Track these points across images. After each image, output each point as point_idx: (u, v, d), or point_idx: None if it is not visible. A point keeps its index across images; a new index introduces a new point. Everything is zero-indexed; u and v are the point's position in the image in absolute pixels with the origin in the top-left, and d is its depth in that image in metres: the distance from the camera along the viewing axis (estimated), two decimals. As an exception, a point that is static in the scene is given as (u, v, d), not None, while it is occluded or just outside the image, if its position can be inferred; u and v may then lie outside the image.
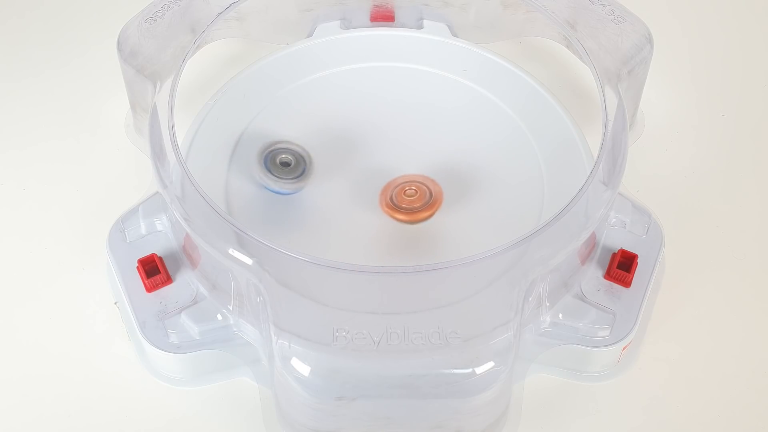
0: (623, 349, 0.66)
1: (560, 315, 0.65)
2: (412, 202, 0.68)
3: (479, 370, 0.59)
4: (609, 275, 0.67)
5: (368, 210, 0.69)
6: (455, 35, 0.79)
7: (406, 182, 0.69)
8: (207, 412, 0.66)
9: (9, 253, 0.73)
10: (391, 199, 0.68)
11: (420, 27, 0.79)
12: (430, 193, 0.69)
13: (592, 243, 0.66)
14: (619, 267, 0.67)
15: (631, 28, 0.72)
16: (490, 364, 0.59)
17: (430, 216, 0.68)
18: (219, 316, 0.65)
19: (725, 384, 0.68)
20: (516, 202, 0.70)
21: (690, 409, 0.67)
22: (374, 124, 0.74)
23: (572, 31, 0.72)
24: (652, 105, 0.79)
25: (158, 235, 0.69)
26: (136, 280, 0.67)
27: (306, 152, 0.70)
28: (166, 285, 0.67)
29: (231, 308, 0.65)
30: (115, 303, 0.70)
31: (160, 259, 0.67)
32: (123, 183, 0.75)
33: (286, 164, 0.70)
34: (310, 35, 0.79)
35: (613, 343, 0.66)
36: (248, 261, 0.61)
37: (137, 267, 0.67)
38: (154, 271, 0.67)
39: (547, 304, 0.65)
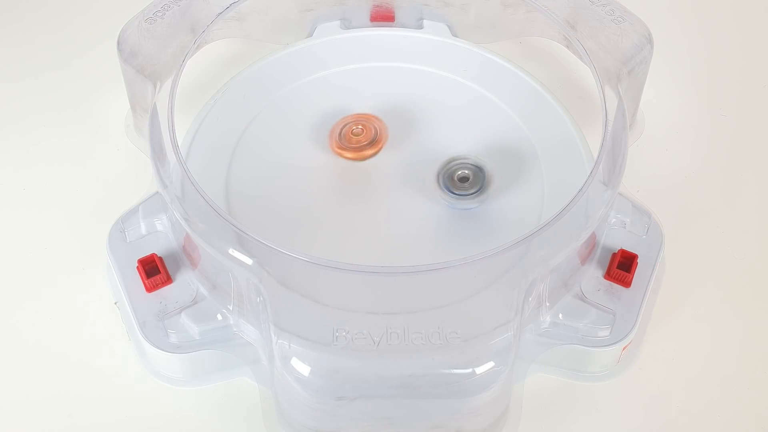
0: (623, 349, 0.66)
1: (560, 315, 0.65)
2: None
3: (479, 370, 0.59)
4: (609, 275, 0.67)
5: (363, 211, 0.70)
6: (455, 35, 0.79)
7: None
8: (207, 412, 0.66)
9: (9, 253, 0.73)
10: None
11: (420, 27, 0.79)
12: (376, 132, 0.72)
13: (592, 243, 0.66)
14: (619, 267, 0.67)
15: (631, 28, 0.72)
16: (490, 364, 0.59)
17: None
18: (219, 316, 0.65)
19: (725, 384, 0.68)
20: (516, 201, 0.70)
21: (690, 408, 0.67)
22: (374, 124, 0.74)
23: (572, 31, 0.72)
24: (652, 105, 0.79)
25: (158, 235, 0.69)
26: (136, 280, 0.67)
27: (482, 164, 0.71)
28: (166, 285, 0.67)
29: (231, 308, 0.65)
30: (115, 303, 0.70)
31: (160, 259, 0.67)
32: (123, 183, 0.75)
33: (464, 179, 0.70)
34: (310, 35, 0.79)
35: (613, 343, 0.66)
36: (248, 261, 0.61)
37: (137, 267, 0.67)
38: (154, 271, 0.67)
39: (547, 304, 0.65)
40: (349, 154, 0.72)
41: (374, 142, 0.72)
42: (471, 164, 0.70)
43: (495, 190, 0.70)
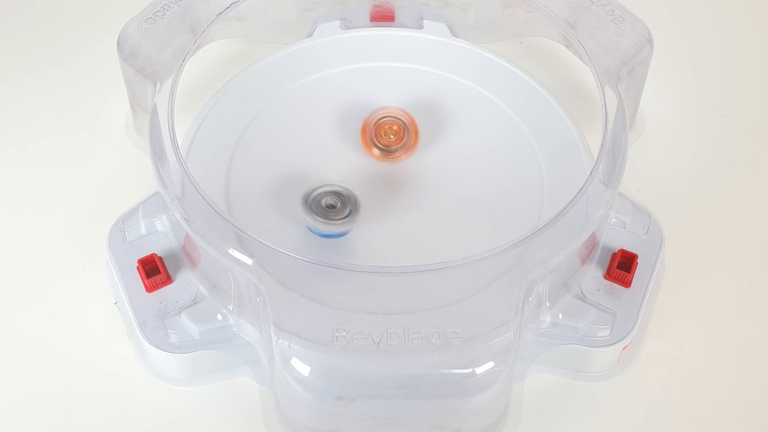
0: (623, 349, 0.66)
1: (560, 315, 0.65)
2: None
3: (479, 370, 0.59)
4: (609, 275, 0.67)
5: (363, 210, 0.70)
6: (455, 35, 0.79)
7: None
8: (207, 412, 0.66)
9: (9, 253, 0.73)
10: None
11: (420, 27, 0.79)
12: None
13: (592, 243, 0.66)
14: (619, 267, 0.67)
15: (631, 28, 0.72)
16: (490, 364, 0.59)
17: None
18: (219, 316, 0.65)
19: (725, 384, 0.68)
20: (516, 202, 0.70)
21: (690, 408, 0.67)
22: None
23: (572, 31, 0.72)
24: (652, 105, 0.79)
25: (158, 235, 0.69)
26: (136, 280, 0.67)
27: (351, 193, 0.68)
28: (166, 285, 0.67)
29: (231, 308, 0.65)
30: (115, 303, 0.70)
31: (160, 259, 0.67)
32: (123, 183, 0.75)
33: (331, 207, 0.68)
34: (310, 35, 0.79)
35: (613, 343, 0.66)
36: (248, 261, 0.61)
37: (137, 267, 0.67)
38: (154, 271, 0.67)
39: (547, 304, 0.65)
40: (376, 152, 0.72)
41: (405, 146, 0.72)
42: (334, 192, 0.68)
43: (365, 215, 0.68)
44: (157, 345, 0.65)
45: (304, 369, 0.59)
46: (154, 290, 0.66)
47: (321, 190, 0.67)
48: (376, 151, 0.71)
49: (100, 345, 0.69)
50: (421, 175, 0.71)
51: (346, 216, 0.67)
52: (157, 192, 0.68)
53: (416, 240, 0.68)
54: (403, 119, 0.72)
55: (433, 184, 0.71)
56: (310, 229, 0.67)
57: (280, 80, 0.76)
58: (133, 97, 0.73)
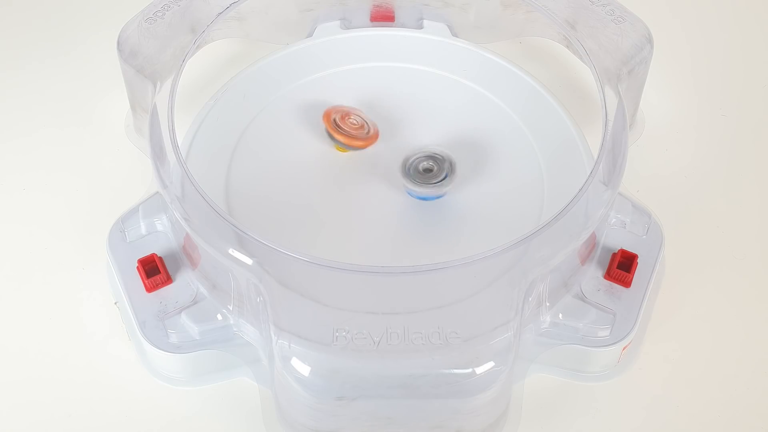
0: (623, 349, 0.66)
1: (560, 315, 0.65)
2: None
3: (479, 370, 0.59)
4: (609, 275, 0.67)
5: (363, 211, 0.70)
6: (455, 35, 0.79)
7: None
8: (207, 412, 0.66)
9: (9, 252, 0.73)
10: None
11: (420, 27, 0.79)
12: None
13: (592, 243, 0.67)
14: (619, 267, 0.67)
15: (631, 28, 0.72)
16: (490, 364, 0.59)
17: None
18: (219, 316, 0.65)
19: (725, 384, 0.68)
20: (516, 202, 0.70)
21: (690, 409, 0.67)
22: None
23: (572, 31, 0.72)
24: (652, 105, 0.79)
25: (158, 235, 0.69)
26: (136, 280, 0.67)
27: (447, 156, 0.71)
28: (166, 285, 0.67)
29: (231, 308, 0.65)
30: (115, 303, 0.70)
31: (160, 259, 0.67)
32: (123, 183, 0.75)
33: (428, 170, 0.70)
34: (310, 35, 0.79)
35: (613, 343, 0.66)
36: (248, 261, 0.61)
37: (137, 267, 0.67)
38: (154, 271, 0.67)
39: (547, 304, 0.65)
40: (341, 138, 0.72)
41: (369, 135, 0.72)
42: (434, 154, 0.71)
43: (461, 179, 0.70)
44: (158, 345, 0.65)
45: (304, 369, 0.59)
46: (154, 290, 0.66)
47: (418, 155, 0.71)
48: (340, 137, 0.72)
49: (100, 345, 0.69)
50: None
51: (443, 179, 0.70)
52: (157, 192, 0.68)
53: (416, 240, 0.68)
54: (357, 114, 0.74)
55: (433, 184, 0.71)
56: (409, 193, 0.70)
57: (280, 80, 0.76)
58: (133, 97, 0.73)
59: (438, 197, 0.70)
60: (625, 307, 0.66)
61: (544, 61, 0.82)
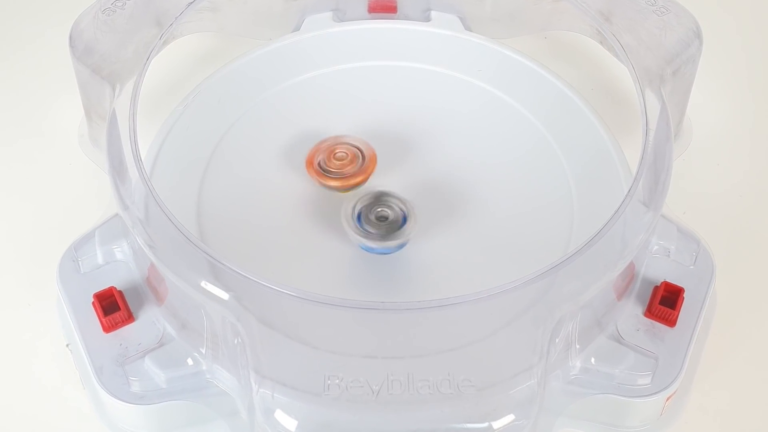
0: (667, 399, 0.67)
1: (593, 359, 0.65)
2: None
3: (497, 424, 0.59)
4: (650, 312, 0.68)
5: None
6: (468, 29, 0.79)
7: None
8: (175, 475, 0.67)
9: (-59, 286, 0.73)
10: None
11: (427, 19, 0.80)
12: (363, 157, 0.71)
13: (630, 274, 0.67)
14: (661, 303, 0.68)
15: (676, 21, 0.72)
16: (510, 418, 0.59)
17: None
18: (189, 361, 0.65)
19: (787, 441, 0.68)
20: (540, 225, 0.70)
21: (746, 470, 0.67)
22: (373, 134, 0.74)
23: (607, 24, 0.73)
24: (701, 111, 0.80)
25: (118, 265, 0.69)
26: (92, 318, 0.67)
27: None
28: (127, 324, 0.67)
29: (204, 351, 0.65)
30: (67, 345, 0.70)
31: (120, 293, 0.67)
32: (76, 204, 0.75)
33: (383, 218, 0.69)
34: (296, 29, 0.79)
35: (655, 393, 0.66)
36: (224, 296, 0.61)
37: (93, 303, 0.67)
38: (112, 307, 0.67)
39: (578, 346, 0.65)
40: (334, 183, 0.71)
41: (362, 168, 0.72)
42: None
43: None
44: (117, 395, 0.65)
45: (290, 423, 0.59)
46: (112, 330, 0.67)
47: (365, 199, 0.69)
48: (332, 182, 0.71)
49: (50, 394, 0.69)
50: (428, 194, 0.71)
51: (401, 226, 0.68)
52: (117, 214, 0.68)
53: (423, 271, 0.69)
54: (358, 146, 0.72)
55: (442, 205, 0.71)
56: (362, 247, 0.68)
57: (262, 82, 0.76)
58: (88, 102, 0.73)
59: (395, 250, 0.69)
60: (669, 350, 0.67)
61: (574, 60, 0.83)
